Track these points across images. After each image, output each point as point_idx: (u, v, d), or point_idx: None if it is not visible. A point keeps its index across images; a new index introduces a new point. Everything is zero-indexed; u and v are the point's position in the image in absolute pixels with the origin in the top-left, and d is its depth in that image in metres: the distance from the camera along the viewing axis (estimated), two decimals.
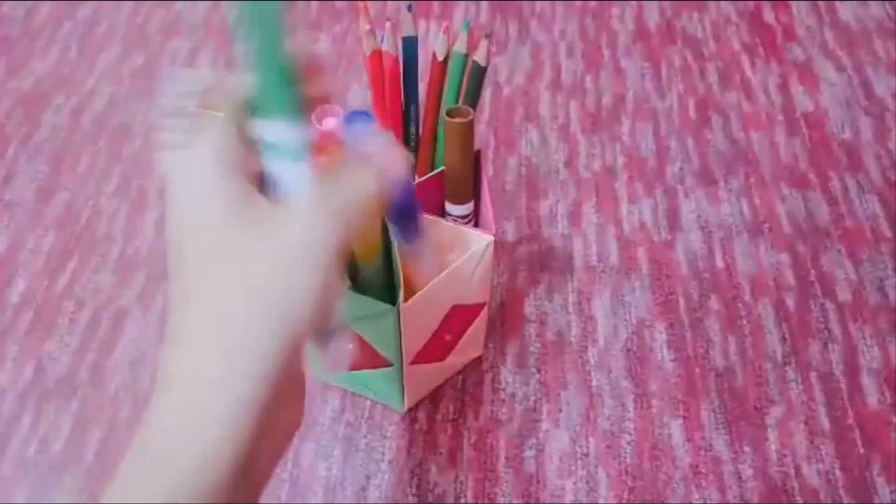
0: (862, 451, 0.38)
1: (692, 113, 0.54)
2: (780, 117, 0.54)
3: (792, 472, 0.37)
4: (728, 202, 0.49)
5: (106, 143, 0.53)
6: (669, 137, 0.53)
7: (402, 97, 0.36)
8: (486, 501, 0.37)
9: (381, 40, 0.34)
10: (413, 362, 0.36)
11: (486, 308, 0.39)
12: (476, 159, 0.37)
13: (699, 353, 0.42)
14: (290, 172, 0.21)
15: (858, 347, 0.42)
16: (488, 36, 0.33)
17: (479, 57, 0.34)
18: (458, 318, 0.37)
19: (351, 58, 0.57)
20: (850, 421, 0.39)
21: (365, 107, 0.34)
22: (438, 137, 0.37)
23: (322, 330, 0.23)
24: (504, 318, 0.43)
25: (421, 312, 0.34)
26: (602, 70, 0.57)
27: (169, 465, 0.19)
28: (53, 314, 0.44)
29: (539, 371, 0.41)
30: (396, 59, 0.34)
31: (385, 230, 0.33)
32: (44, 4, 0.63)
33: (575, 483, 0.37)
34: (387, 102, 0.35)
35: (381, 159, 0.22)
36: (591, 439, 0.38)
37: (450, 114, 0.33)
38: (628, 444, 0.38)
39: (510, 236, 0.47)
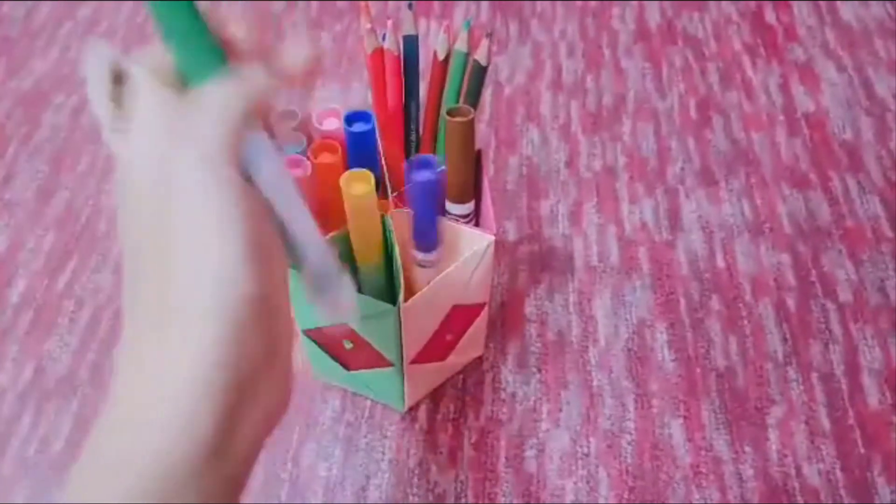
0: (862, 451, 0.38)
1: (693, 113, 0.54)
2: (781, 117, 0.54)
3: (793, 472, 0.37)
4: (729, 202, 0.49)
5: (105, 143, 0.53)
6: (670, 137, 0.52)
7: (403, 96, 0.36)
8: (486, 501, 0.37)
9: (383, 39, 0.34)
10: (413, 362, 0.36)
11: (486, 308, 0.39)
12: (477, 159, 0.37)
13: (700, 353, 0.42)
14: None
15: (859, 348, 0.42)
16: (489, 35, 0.33)
17: (479, 56, 0.34)
18: (459, 317, 0.37)
19: (352, 56, 0.57)
20: (851, 421, 0.39)
21: (366, 106, 0.34)
22: (439, 137, 0.36)
23: (320, 275, 0.21)
24: (505, 317, 0.43)
25: (421, 312, 0.34)
26: (603, 70, 0.57)
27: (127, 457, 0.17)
28: (53, 314, 0.44)
29: (540, 371, 0.41)
30: (398, 57, 0.34)
31: (385, 228, 0.33)
32: (44, 4, 0.63)
33: (575, 483, 0.37)
34: (388, 101, 0.35)
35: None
36: (591, 439, 0.38)
37: (450, 113, 0.33)
38: (629, 443, 0.38)
39: (511, 236, 0.47)
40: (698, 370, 0.41)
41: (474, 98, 0.35)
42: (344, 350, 0.37)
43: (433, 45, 0.34)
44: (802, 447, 0.38)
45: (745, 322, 0.43)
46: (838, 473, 0.37)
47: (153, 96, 0.19)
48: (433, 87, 0.35)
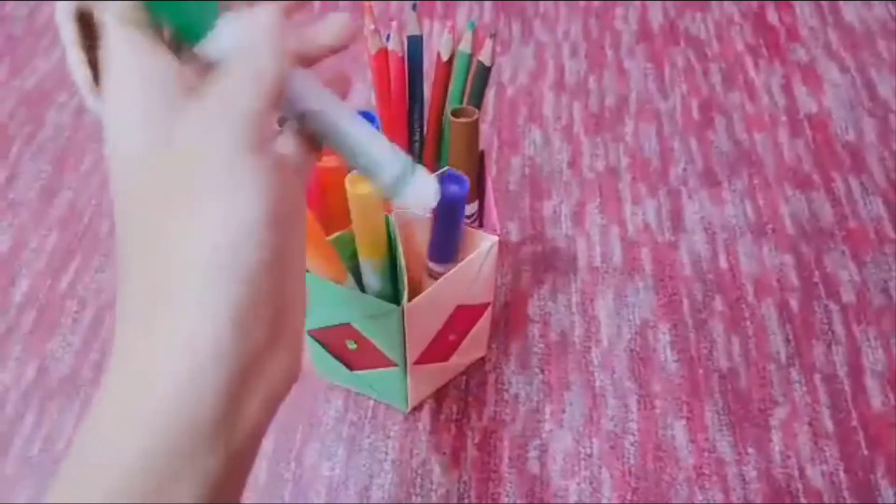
0: (866, 452, 0.38)
1: (695, 114, 0.54)
2: (784, 118, 0.54)
3: (796, 473, 0.37)
4: (731, 203, 0.49)
5: None
6: (673, 138, 0.52)
7: (407, 97, 0.36)
8: (489, 502, 0.37)
9: (387, 39, 0.34)
10: (417, 362, 0.36)
11: (489, 308, 0.39)
12: (480, 159, 0.37)
13: (703, 353, 0.42)
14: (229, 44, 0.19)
15: (862, 349, 0.42)
16: (493, 36, 0.33)
17: (483, 57, 0.34)
18: (462, 318, 0.37)
19: (356, 57, 0.57)
20: (854, 423, 0.39)
21: (369, 106, 0.34)
22: (443, 137, 0.37)
23: (398, 176, 0.21)
24: (508, 318, 0.43)
25: (425, 313, 0.34)
26: (605, 70, 0.57)
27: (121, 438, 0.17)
28: (56, 313, 0.44)
29: (542, 371, 0.41)
30: (402, 58, 0.34)
31: (389, 228, 0.33)
32: (46, 4, 0.63)
33: (578, 483, 0.37)
34: (392, 102, 0.35)
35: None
36: (594, 440, 0.38)
37: (454, 113, 0.33)
38: (632, 444, 0.38)
39: (513, 237, 0.47)
40: (701, 371, 0.41)
41: (478, 99, 0.35)
42: (347, 350, 0.37)
43: (437, 45, 0.34)
44: (806, 449, 0.38)
45: (748, 323, 0.43)
46: (841, 475, 0.37)
47: (134, 54, 0.18)
48: (437, 87, 0.35)
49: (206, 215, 0.17)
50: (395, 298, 0.34)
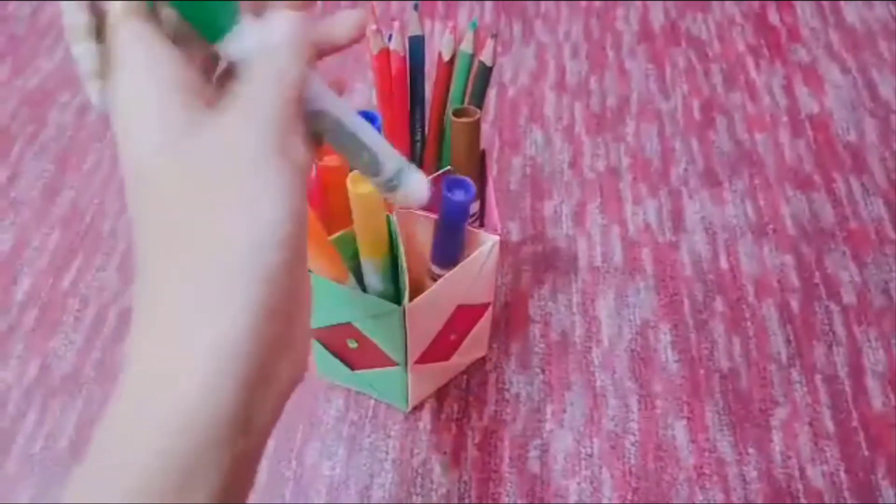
0: (866, 453, 0.38)
1: (696, 114, 0.54)
2: (785, 119, 0.54)
3: (796, 473, 0.37)
4: (732, 203, 0.49)
5: (111, 142, 0.53)
6: (674, 138, 0.53)
7: (409, 97, 0.36)
8: (490, 502, 0.37)
9: (388, 40, 0.34)
10: (418, 362, 0.36)
11: (490, 308, 0.39)
12: (481, 159, 0.37)
13: (703, 354, 0.42)
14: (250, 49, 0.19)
15: (863, 350, 0.42)
16: (494, 36, 0.33)
17: (485, 57, 0.34)
18: (463, 317, 0.37)
19: (357, 56, 0.57)
20: (855, 423, 0.39)
21: (371, 106, 0.34)
22: (444, 137, 0.37)
23: (395, 175, 0.22)
24: (508, 318, 0.43)
25: (426, 312, 0.34)
26: (606, 71, 0.57)
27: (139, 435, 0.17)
28: (59, 312, 0.44)
29: (543, 371, 0.41)
30: (403, 58, 0.34)
31: (390, 228, 0.33)
32: (49, 4, 0.63)
33: (579, 483, 0.37)
34: (393, 102, 0.35)
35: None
36: (595, 440, 0.38)
37: (456, 113, 0.33)
38: (632, 444, 0.38)
39: (514, 236, 0.47)
40: (702, 371, 0.41)
41: (479, 99, 0.35)
42: (348, 349, 0.37)
43: (438, 45, 0.34)
44: (806, 449, 0.38)
45: (749, 323, 0.43)
46: (842, 475, 0.37)
47: (147, 49, 0.18)
48: (438, 87, 0.35)
49: (231, 216, 0.17)
50: (396, 298, 0.34)
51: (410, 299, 0.32)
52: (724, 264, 0.46)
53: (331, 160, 0.32)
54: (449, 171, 0.36)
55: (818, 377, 0.41)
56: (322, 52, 0.21)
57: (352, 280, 0.34)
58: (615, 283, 0.45)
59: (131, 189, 0.18)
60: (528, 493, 0.37)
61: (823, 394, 0.40)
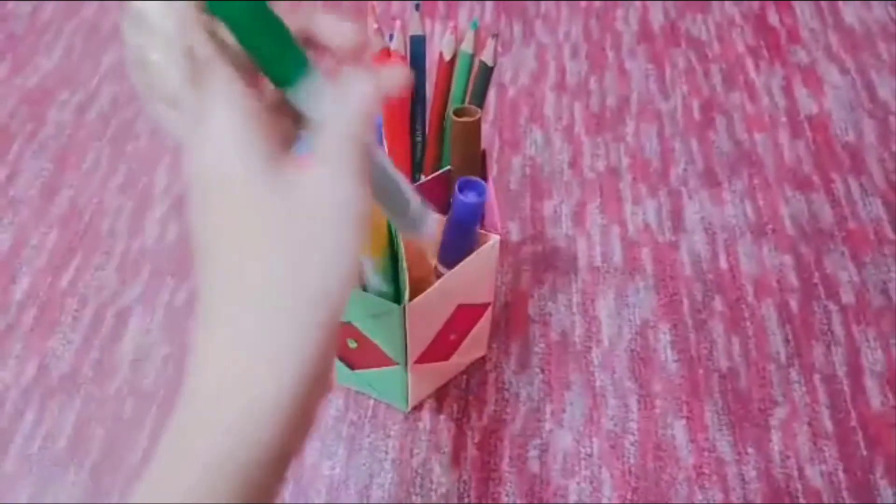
0: (865, 453, 0.38)
1: (696, 114, 0.54)
2: (784, 119, 0.54)
3: (795, 473, 0.37)
4: (732, 204, 0.49)
5: (110, 141, 0.53)
6: (673, 139, 0.53)
7: (410, 96, 0.36)
8: (489, 501, 0.37)
9: (389, 39, 0.34)
10: (418, 361, 0.36)
11: (490, 308, 0.39)
12: (481, 159, 0.37)
13: (703, 354, 0.42)
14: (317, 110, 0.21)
15: (861, 350, 0.42)
16: (495, 36, 0.33)
17: (485, 57, 0.34)
18: (463, 317, 0.37)
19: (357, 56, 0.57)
20: (854, 423, 0.39)
21: None
22: (445, 136, 0.37)
23: (416, 216, 0.24)
24: (508, 317, 0.43)
25: (426, 312, 0.34)
26: (606, 71, 0.57)
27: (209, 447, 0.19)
28: (57, 311, 0.44)
29: (543, 371, 0.41)
30: (404, 58, 0.34)
31: (391, 227, 0.33)
32: (48, 3, 0.63)
33: (578, 483, 0.37)
34: (394, 101, 0.35)
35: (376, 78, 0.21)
36: (594, 439, 0.38)
37: (456, 113, 0.33)
38: (632, 444, 0.38)
39: (514, 236, 0.47)
40: (701, 371, 0.41)
41: (480, 98, 0.35)
42: (348, 349, 0.37)
43: (438, 45, 0.34)
44: (805, 449, 0.38)
45: (748, 323, 0.43)
46: (841, 475, 0.37)
47: (239, 96, 0.19)
48: (439, 87, 0.35)
49: (307, 263, 0.19)
50: (396, 298, 0.34)
51: (410, 299, 0.32)
52: (723, 264, 0.46)
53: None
54: (449, 170, 0.36)
55: (817, 377, 0.41)
56: (314, 42, 0.22)
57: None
58: (615, 282, 0.45)
59: (208, 213, 0.20)
60: (527, 492, 0.37)
61: (822, 393, 0.40)
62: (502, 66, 0.57)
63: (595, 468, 0.38)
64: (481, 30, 0.59)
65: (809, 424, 0.39)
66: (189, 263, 0.46)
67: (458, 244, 0.33)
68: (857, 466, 0.38)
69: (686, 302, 0.44)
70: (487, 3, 0.62)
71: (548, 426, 0.39)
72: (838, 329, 0.43)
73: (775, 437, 0.39)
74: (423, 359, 0.37)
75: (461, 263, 0.33)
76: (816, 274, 0.45)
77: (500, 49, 0.58)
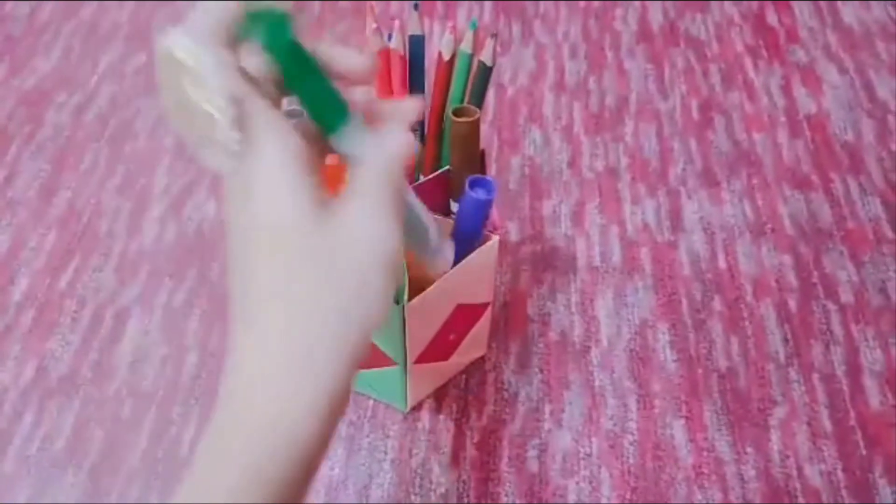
0: (864, 452, 0.38)
1: (695, 114, 0.54)
2: (783, 119, 0.54)
3: (794, 472, 0.37)
4: (731, 203, 0.49)
5: (108, 142, 0.53)
6: (672, 138, 0.53)
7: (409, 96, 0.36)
8: (489, 501, 0.37)
9: (388, 39, 0.34)
10: (417, 361, 0.36)
11: (489, 308, 0.39)
12: (480, 159, 0.37)
13: (702, 353, 0.42)
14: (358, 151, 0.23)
15: (860, 349, 0.42)
16: (494, 36, 0.33)
17: (484, 56, 0.34)
18: (463, 317, 0.37)
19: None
20: (853, 422, 0.39)
21: None
22: (444, 136, 0.37)
23: (436, 246, 0.26)
24: (507, 317, 0.43)
25: (425, 311, 0.34)
26: (605, 71, 0.57)
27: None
28: (55, 312, 0.44)
29: (542, 371, 0.41)
30: (403, 57, 0.34)
31: None
32: (47, 3, 0.63)
33: (578, 483, 0.37)
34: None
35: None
36: (593, 439, 0.38)
37: (455, 113, 0.33)
38: (631, 444, 0.38)
39: (513, 236, 0.47)
40: (700, 371, 0.41)
41: (479, 98, 0.35)
42: None
43: (437, 45, 0.34)
44: (804, 448, 0.38)
45: (747, 323, 0.43)
46: (840, 474, 0.37)
47: (290, 142, 0.21)
48: (438, 87, 0.35)
49: (346, 294, 0.21)
50: (395, 297, 0.34)
51: (409, 299, 0.32)
52: (722, 264, 0.46)
53: (330, 158, 0.32)
54: (448, 170, 0.36)
55: (816, 376, 0.41)
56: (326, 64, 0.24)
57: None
58: (614, 282, 0.45)
59: (253, 248, 0.21)
60: (526, 492, 0.37)
61: (821, 393, 0.40)
62: (501, 66, 0.57)
63: (594, 468, 0.38)
64: (480, 29, 0.59)
65: (808, 424, 0.39)
66: (186, 264, 0.46)
67: (464, 242, 0.33)
68: (856, 466, 0.38)
69: (685, 302, 0.44)
70: (486, 2, 0.62)
71: (547, 426, 0.39)
72: (837, 328, 0.43)
73: (774, 436, 0.39)
74: (423, 359, 0.37)
75: (461, 263, 0.33)
76: (815, 273, 0.45)
77: (498, 49, 0.58)
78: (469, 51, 0.34)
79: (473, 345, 0.40)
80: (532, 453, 0.38)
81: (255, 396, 0.20)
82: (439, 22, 0.60)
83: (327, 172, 0.32)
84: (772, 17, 0.61)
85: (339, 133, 0.22)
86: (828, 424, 0.39)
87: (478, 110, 0.34)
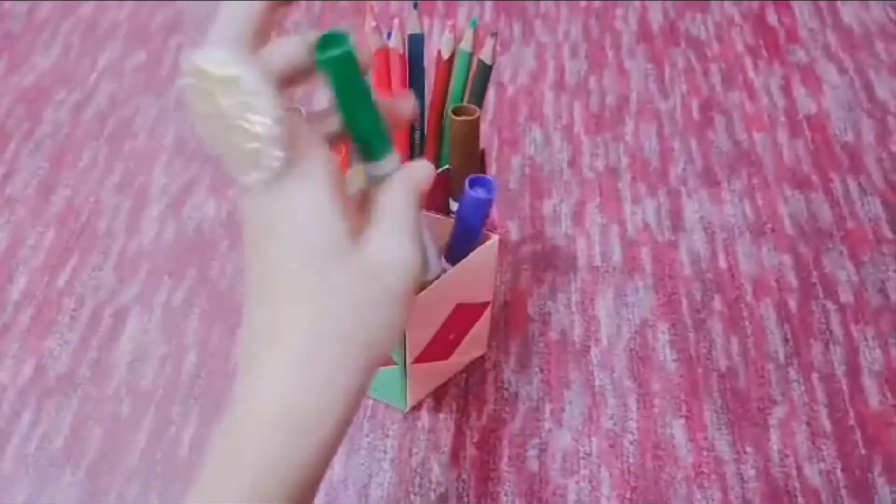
0: (863, 451, 0.38)
1: (695, 114, 0.54)
2: (783, 119, 0.54)
3: (794, 472, 0.37)
4: (731, 203, 0.49)
5: (107, 140, 0.53)
6: (673, 138, 0.53)
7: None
8: (488, 501, 0.37)
9: (388, 37, 0.34)
10: (416, 361, 0.36)
11: (489, 307, 0.39)
12: (480, 158, 0.37)
13: (702, 353, 0.42)
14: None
15: (860, 349, 0.42)
16: (494, 34, 0.33)
17: (484, 55, 0.34)
18: (463, 316, 0.37)
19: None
20: (852, 422, 0.39)
21: None
22: (444, 135, 0.36)
23: (434, 263, 0.28)
24: (507, 317, 0.43)
25: (425, 310, 0.34)
26: (606, 70, 0.57)
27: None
28: (54, 311, 0.44)
29: (542, 370, 0.41)
30: (403, 56, 0.34)
31: None
32: (46, 3, 0.62)
33: (577, 482, 0.37)
34: None
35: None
36: (593, 439, 0.38)
37: (455, 112, 0.33)
38: (631, 443, 0.38)
39: (514, 236, 0.47)
40: (700, 370, 0.41)
41: (479, 97, 0.35)
42: None
43: (437, 44, 0.34)
44: (803, 447, 0.38)
45: (747, 322, 0.43)
46: (839, 474, 0.37)
47: (331, 186, 0.21)
48: (438, 86, 0.35)
49: (367, 313, 0.22)
50: None
51: None
52: (722, 264, 0.46)
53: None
54: (448, 169, 0.36)
55: (815, 376, 0.41)
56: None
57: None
58: (614, 282, 0.45)
59: (268, 272, 0.22)
60: (526, 492, 0.37)
61: (820, 392, 0.40)
62: (501, 65, 0.57)
63: (594, 467, 0.37)
64: (480, 28, 0.59)
65: (808, 423, 0.39)
66: (186, 263, 0.46)
67: (463, 241, 0.33)
68: (856, 465, 0.38)
69: (685, 301, 0.44)
70: (486, 1, 0.62)
71: (547, 425, 0.39)
72: (837, 328, 0.43)
73: (774, 436, 0.39)
74: (422, 358, 0.37)
75: (460, 263, 0.33)
76: (815, 273, 0.45)
77: (499, 48, 0.58)
78: (469, 49, 0.34)
79: (473, 344, 0.40)
80: (532, 453, 0.38)
81: (271, 398, 0.20)
82: (439, 20, 0.60)
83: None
84: (772, 17, 0.61)
85: (379, 163, 0.23)
86: (827, 424, 0.39)
87: (478, 109, 0.34)
